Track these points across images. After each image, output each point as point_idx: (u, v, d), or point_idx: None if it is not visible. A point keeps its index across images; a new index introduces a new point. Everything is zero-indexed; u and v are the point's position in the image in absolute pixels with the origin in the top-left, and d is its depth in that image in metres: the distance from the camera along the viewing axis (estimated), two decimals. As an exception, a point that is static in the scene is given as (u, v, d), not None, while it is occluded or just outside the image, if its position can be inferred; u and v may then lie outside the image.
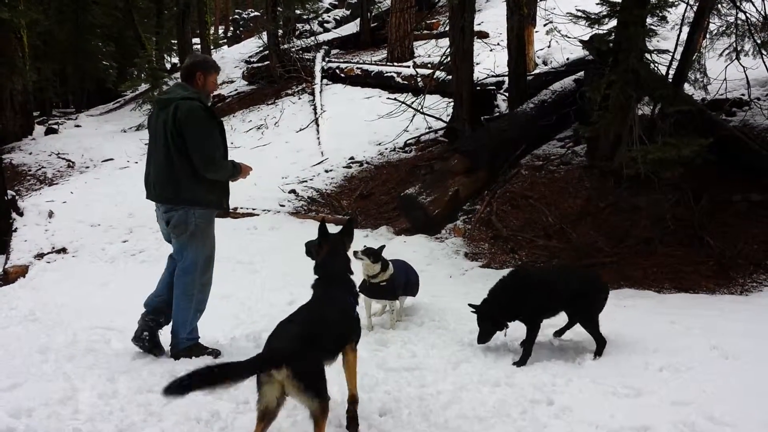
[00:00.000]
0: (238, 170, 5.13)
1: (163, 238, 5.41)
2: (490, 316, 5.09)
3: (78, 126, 19.57)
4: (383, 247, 5.88)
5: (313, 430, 3.37)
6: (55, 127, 18.61)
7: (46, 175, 14.60)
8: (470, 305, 5.15)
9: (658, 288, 7.13)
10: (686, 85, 8.87)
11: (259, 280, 7.22)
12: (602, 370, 4.64)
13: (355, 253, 5.41)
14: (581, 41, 9.84)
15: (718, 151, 7.95)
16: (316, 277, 4.18)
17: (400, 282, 5.92)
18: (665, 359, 4.75)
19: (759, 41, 8.83)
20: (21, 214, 8.82)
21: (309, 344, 3.44)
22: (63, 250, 8.22)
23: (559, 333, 5.38)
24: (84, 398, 4.22)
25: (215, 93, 19.63)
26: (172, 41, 28.46)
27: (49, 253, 8.12)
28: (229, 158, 5.16)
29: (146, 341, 5.10)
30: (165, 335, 5.18)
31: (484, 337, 5.12)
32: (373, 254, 5.64)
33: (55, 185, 13.67)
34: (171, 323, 5.12)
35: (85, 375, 4.61)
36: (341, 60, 18.45)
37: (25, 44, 16.98)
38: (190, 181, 4.88)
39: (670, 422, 3.78)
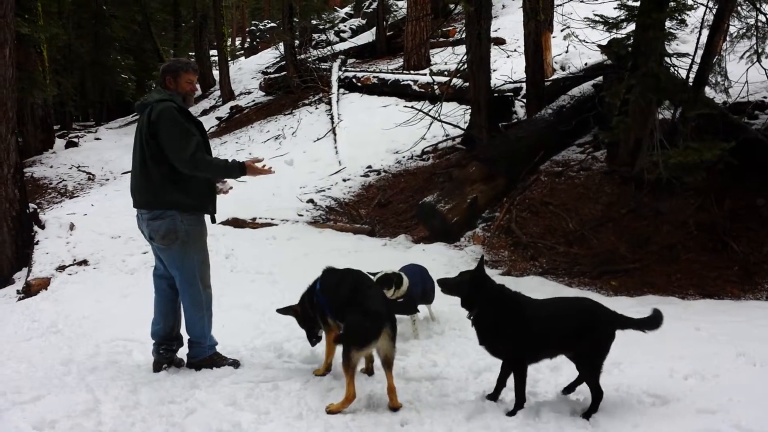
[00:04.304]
0: (235, 169, 4.81)
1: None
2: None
3: (98, 139, 19.81)
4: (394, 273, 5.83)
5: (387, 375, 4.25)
6: (75, 140, 18.87)
7: (67, 187, 14.79)
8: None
9: (682, 294, 7.05)
10: (707, 89, 8.77)
11: (278, 290, 7.20)
12: (626, 379, 4.58)
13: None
14: (599, 46, 9.81)
15: (741, 154, 7.84)
16: None
17: (417, 293, 5.88)
18: (691, 366, 4.69)
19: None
20: (42, 227, 8.89)
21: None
22: (84, 262, 8.27)
23: (568, 390, 4.45)
24: (106, 410, 4.25)
25: (233, 104, 19.93)
26: (190, 53, 28.69)
27: (70, 265, 8.18)
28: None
29: (168, 369, 5.06)
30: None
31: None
32: (386, 281, 5.60)
33: (75, 198, 13.83)
34: (187, 334, 5.10)
35: (107, 386, 4.63)
36: (358, 69, 18.50)
37: (45, 59, 17.21)
38: (165, 185, 4.73)
39: (696, 431, 3.73)
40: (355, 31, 24.16)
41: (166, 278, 5.08)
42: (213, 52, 26.41)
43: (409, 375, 4.82)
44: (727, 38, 9.35)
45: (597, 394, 4.08)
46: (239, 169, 4.85)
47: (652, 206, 8.39)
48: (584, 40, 11.37)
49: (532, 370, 4.67)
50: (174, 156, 4.67)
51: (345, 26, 24.82)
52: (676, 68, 8.16)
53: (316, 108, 16.47)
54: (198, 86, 25.46)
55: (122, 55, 25.65)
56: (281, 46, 20.86)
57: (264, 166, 4.97)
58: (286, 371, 4.92)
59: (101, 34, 23.47)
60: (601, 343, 4.15)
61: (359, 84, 16.82)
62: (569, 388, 4.40)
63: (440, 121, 12.07)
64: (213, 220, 5.14)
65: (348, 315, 4.39)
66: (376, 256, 7.80)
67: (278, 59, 22.40)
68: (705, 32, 8.59)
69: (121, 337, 5.83)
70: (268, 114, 17.60)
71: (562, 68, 14.00)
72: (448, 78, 13.05)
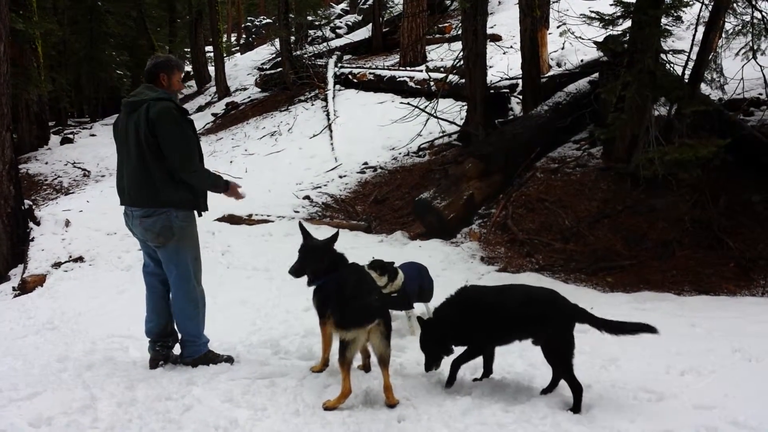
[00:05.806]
0: (221, 184, 4.96)
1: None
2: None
3: (93, 135, 19.77)
4: (392, 263, 5.84)
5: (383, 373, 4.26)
6: (71, 136, 18.83)
7: (62, 184, 14.76)
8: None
9: (677, 291, 7.06)
10: (703, 85, 8.77)
11: (275, 286, 7.19)
12: (623, 375, 4.60)
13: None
14: (595, 42, 9.78)
15: (736, 151, 7.86)
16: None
17: (414, 290, 5.86)
18: (687, 363, 4.70)
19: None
20: (38, 224, 8.86)
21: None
22: (80, 259, 8.24)
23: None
24: (103, 406, 4.23)
25: (228, 100, 19.92)
26: (185, 49, 28.67)
27: (66, 261, 8.15)
28: (218, 169, 5.07)
29: (164, 365, 5.04)
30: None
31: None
32: (379, 267, 5.60)
33: (71, 194, 13.81)
34: (180, 333, 5.07)
35: (103, 383, 4.62)
36: (354, 65, 18.47)
37: (39, 55, 17.12)
38: (167, 183, 4.71)
39: (692, 427, 3.74)
40: (351, 28, 24.15)
41: (156, 275, 5.05)
42: (208, 48, 26.39)
43: (405, 371, 4.83)
44: (723, 35, 9.36)
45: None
46: (224, 186, 4.99)
47: (648, 203, 8.41)
48: (580, 37, 11.36)
49: (527, 366, 4.69)
50: (173, 158, 4.66)
51: (341, 22, 24.81)
52: (672, 65, 8.16)
53: (312, 104, 16.45)
54: (194, 82, 25.64)
55: (117, 51, 25.56)
56: (277, 42, 20.86)
57: (241, 192, 5.15)
58: (283, 368, 4.91)
59: (96, 30, 23.37)
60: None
61: (355, 80, 16.80)
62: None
63: (436, 117, 12.06)
64: (200, 215, 5.11)
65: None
66: (373, 252, 7.77)
67: (274, 55, 22.41)
68: (701, 29, 8.59)
69: (118, 333, 5.81)
70: (264, 110, 17.58)
71: (558, 65, 13.99)
72: (444, 74, 13.04)
